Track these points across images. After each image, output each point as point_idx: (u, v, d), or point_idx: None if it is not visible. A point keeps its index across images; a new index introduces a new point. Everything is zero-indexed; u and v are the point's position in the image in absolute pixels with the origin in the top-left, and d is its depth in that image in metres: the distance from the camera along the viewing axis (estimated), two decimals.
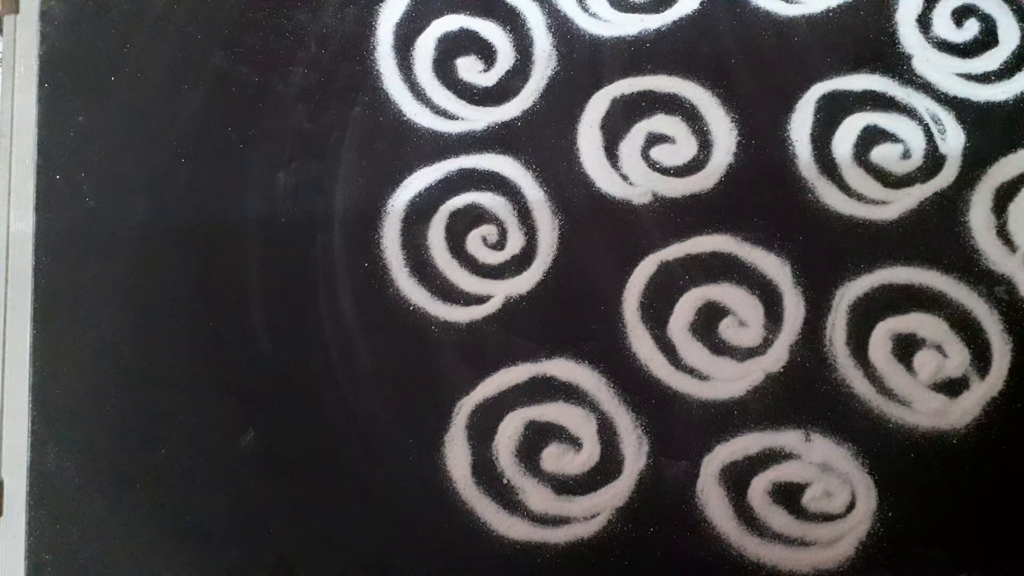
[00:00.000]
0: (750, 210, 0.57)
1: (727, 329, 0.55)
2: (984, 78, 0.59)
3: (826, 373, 0.53)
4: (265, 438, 0.54)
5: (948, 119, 0.58)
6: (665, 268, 0.56)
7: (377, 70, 0.61)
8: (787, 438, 0.52)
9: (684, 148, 0.59)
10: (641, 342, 0.54)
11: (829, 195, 0.57)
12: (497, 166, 0.59)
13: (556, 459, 0.53)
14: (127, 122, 0.60)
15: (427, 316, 0.56)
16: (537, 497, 0.52)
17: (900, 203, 0.57)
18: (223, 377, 0.56)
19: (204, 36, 0.63)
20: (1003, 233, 0.56)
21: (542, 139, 0.59)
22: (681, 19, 0.61)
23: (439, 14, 0.62)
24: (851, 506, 0.51)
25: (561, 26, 0.62)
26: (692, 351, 0.54)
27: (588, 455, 0.53)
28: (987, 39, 0.61)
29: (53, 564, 0.53)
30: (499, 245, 0.57)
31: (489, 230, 0.58)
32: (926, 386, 0.53)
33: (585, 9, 0.62)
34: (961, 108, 0.59)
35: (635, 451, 0.53)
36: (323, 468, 0.54)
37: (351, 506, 0.53)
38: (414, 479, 0.53)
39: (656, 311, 0.55)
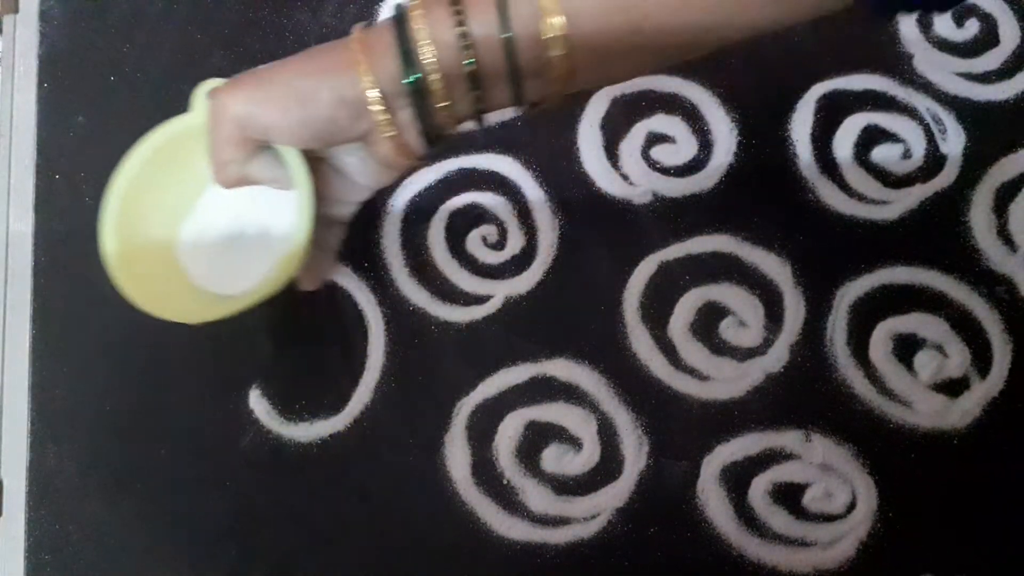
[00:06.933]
0: (750, 210, 0.57)
1: (727, 329, 0.55)
2: (985, 78, 0.59)
3: (826, 373, 0.53)
4: (265, 438, 0.54)
5: (948, 119, 0.58)
6: (665, 268, 0.56)
7: None
8: (787, 438, 0.52)
9: (684, 148, 0.59)
10: (641, 342, 0.54)
11: (829, 195, 0.57)
12: (497, 166, 0.59)
13: (556, 459, 0.53)
14: (127, 122, 0.60)
15: (427, 316, 0.56)
16: (537, 497, 0.52)
17: (900, 203, 0.57)
18: (223, 377, 0.56)
19: (204, 36, 0.63)
20: (1004, 233, 0.56)
21: (542, 139, 0.59)
22: None
23: None
24: (851, 506, 0.51)
25: None
26: (692, 351, 0.54)
27: (588, 455, 0.53)
28: (988, 38, 0.60)
29: (53, 564, 0.53)
30: (499, 245, 0.57)
31: (489, 230, 0.58)
32: (926, 386, 0.53)
33: None
34: (962, 108, 0.58)
35: (635, 451, 0.52)
36: (323, 468, 0.54)
37: (351, 506, 0.53)
38: (414, 479, 0.53)
39: (656, 311, 0.55)
